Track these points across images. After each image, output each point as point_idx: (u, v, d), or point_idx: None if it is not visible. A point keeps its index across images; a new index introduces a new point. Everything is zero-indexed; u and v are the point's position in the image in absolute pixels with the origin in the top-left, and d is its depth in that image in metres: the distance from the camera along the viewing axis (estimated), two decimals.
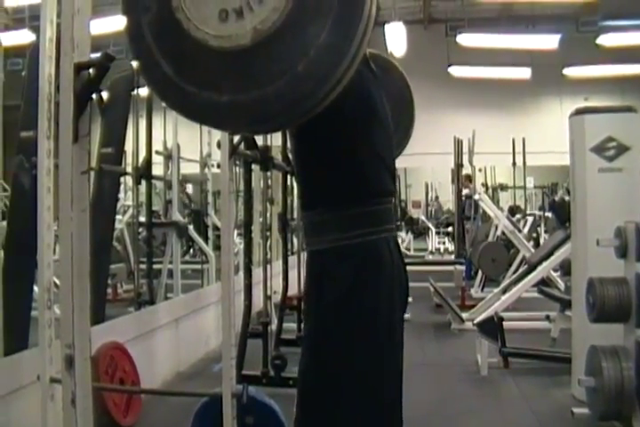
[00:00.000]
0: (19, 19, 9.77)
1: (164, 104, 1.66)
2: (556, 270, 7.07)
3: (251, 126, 1.70)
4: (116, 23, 6.59)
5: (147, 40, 1.58)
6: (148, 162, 5.18)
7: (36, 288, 2.94)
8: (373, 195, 1.92)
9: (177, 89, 1.56)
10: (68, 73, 1.75)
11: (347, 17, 1.45)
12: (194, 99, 1.54)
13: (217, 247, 6.27)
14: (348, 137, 1.87)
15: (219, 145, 3.17)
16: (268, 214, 6.04)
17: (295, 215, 7.11)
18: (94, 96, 1.81)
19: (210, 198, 7.60)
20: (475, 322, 5.24)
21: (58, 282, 1.81)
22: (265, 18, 1.45)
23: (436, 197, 18.25)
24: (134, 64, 4.76)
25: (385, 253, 1.91)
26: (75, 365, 1.62)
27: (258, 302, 4.64)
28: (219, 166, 3.25)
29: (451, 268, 8.88)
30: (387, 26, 9.79)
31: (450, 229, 13.98)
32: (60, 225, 1.69)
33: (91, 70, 1.79)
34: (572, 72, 12.23)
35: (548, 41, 10.80)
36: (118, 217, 8.06)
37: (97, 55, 1.83)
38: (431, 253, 14.21)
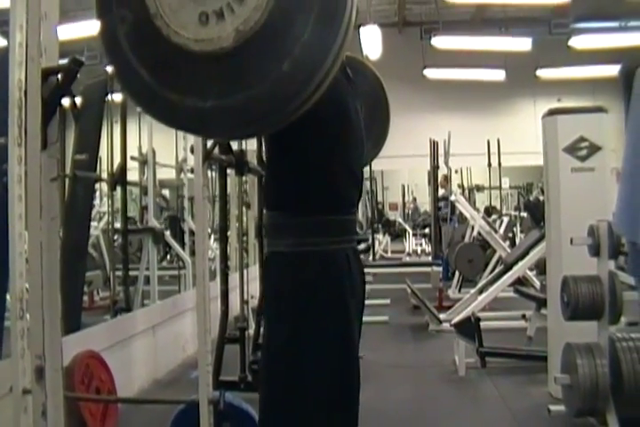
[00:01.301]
0: None
1: (145, 114, 1.63)
2: (531, 270, 7.12)
3: (238, 130, 1.66)
4: (89, 28, 6.54)
5: (124, 50, 1.55)
6: (123, 168, 5.15)
7: (8, 297, 2.91)
8: (337, 205, 1.92)
9: (159, 98, 1.53)
10: (35, 78, 1.74)
11: (329, 13, 1.44)
12: (177, 107, 1.52)
13: (194, 253, 6.25)
14: (320, 143, 1.86)
15: (192, 150, 3.16)
16: (245, 219, 6.03)
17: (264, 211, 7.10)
18: (67, 102, 1.80)
19: (186, 203, 7.57)
20: (452, 323, 5.27)
21: None
22: (247, 18, 1.43)
23: (413, 199, 18.30)
24: (108, 69, 4.76)
25: (343, 264, 1.90)
26: (45, 376, 1.60)
27: (235, 306, 4.63)
28: (193, 171, 3.24)
29: (428, 269, 8.92)
30: (362, 29, 9.81)
31: (427, 230, 14.04)
32: (29, 234, 1.68)
33: (59, 76, 1.78)
34: (545, 74, 12.33)
35: (521, 43, 10.89)
36: (94, 224, 8.01)
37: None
38: (408, 254, 14.26)
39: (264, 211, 2.07)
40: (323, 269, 1.86)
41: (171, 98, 1.51)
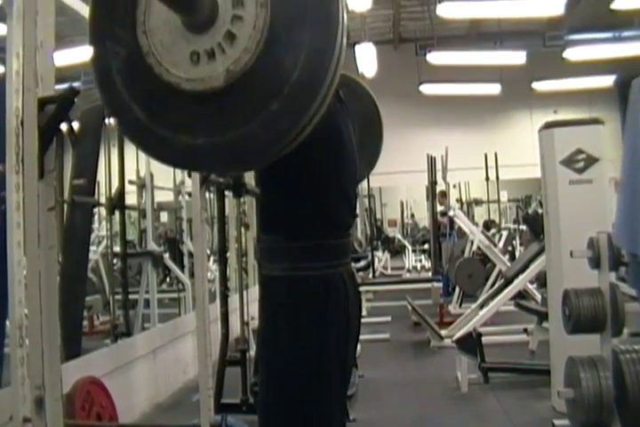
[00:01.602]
0: None
1: (137, 149, 1.63)
2: (532, 283, 7.11)
3: (228, 167, 1.70)
4: (86, 53, 6.57)
5: (117, 85, 1.56)
6: (121, 192, 5.16)
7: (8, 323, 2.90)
8: (332, 229, 1.92)
9: (150, 134, 1.54)
10: (32, 108, 1.75)
11: (318, 53, 1.45)
12: (168, 143, 1.53)
13: (193, 275, 6.25)
14: (313, 170, 1.86)
15: (189, 174, 3.18)
16: (244, 240, 6.02)
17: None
18: (64, 127, 1.80)
19: (185, 226, 7.57)
20: (453, 339, 5.25)
21: None
22: (237, 59, 1.44)
23: (412, 215, 18.29)
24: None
25: (339, 287, 1.90)
26: (45, 406, 1.60)
27: (235, 328, 4.62)
28: (191, 195, 3.25)
29: (428, 285, 8.89)
30: (357, 47, 9.87)
31: (426, 246, 14.01)
32: (27, 263, 1.67)
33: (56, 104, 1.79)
34: (540, 86, 12.38)
35: (515, 57, 10.95)
36: (93, 248, 8.01)
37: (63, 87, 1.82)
38: (408, 271, 14.22)
39: (259, 234, 2.07)
40: (318, 293, 1.85)
41: (162, 134, 1.53)
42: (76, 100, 1.88)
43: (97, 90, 1.61)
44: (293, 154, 1.63)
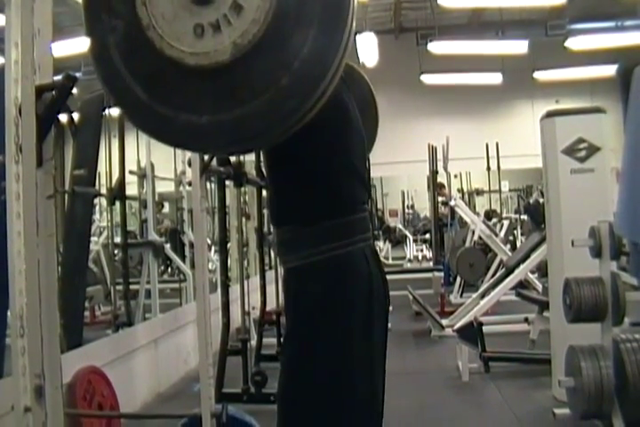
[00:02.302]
0: None
1: (137, 129, 1.58)
2: (533, 272, 7.11)
3: (233, 146, 1.62)
4: (86, 43, 6.53)
5: (115, 62, 1.49)
6: (122, 182, 5.14)
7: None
8: (347, 206, 1.89)
9: (152, 113, 1.48)
10: (30, 96, 1.73)
11: (330, 27, 1.39)
12: (171, 122, 1.46)
13: (194, 265, 6.25)
14: (325, 148, 1.85)
15: (189, 163, 3.17)
16: (245, 230, 6.02)
17: (272, 229, 7.10)
18: (65, 117, 1.79)
19: (186, 216, 7.56)
20: (454, 328, 5.25)
21: None
22: (244, 31, 1.37)
23: (411, 206, 18.27)
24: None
25: (361, 263, 1.87)
26: (45, 395, 1.59)
27: (236, 318, 4.62)
28: (191, 184, 3.24)
29: (429, 275, 8.90)
30: (358, 36, 9.84)
31: (427, 236, 14.01)
32: (26, 252, 1.67)
33: (54, 92, 1.77)
34: (542, 75, 12.34)
35: (517, 46, 10.90)
36: (94, 238, 8.01)
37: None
38: (409, 260, 14.23)
39: (272, 229, 2.03)
40: (342, 275, 1.84)
41: (164, 113, 1.46)
42: (75, 88, 1.87)
43: (93, 66, 1.54)
44: (303, 135, 1.59)
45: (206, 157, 3.23)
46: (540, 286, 6.80)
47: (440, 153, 9.93)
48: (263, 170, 4.62)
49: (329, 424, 1.84)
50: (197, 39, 1.40)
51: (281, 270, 5.15)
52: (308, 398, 1.86)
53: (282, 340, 2.75)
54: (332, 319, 1.84)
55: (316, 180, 1.86)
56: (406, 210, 18.35)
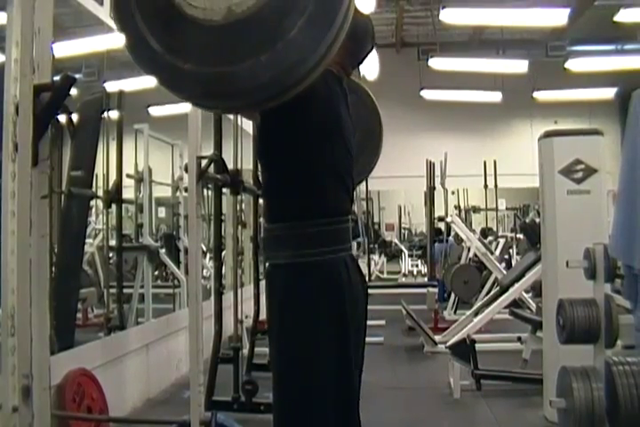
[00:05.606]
0: None
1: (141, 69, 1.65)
2: (527, 292, 7.09)
3: (202, 99, 1.72)
4: (87, 44, 6.54)
5: None
6: (119, 185, 5.13)
7: None
8: (330, 213, 1.95)
9: (146, 45, 1.56)
10: (27, 95, 1.73)
11: (318, 22, 1.46)
12: (158, 59, 1.55)
13: (188, 271, 6.23)
14: (311, 149, 1.90)
15: (186, 169, 3.16)
16: (241, 238, 6.01)
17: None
18: (63, 118, 1.79)
19: (182, 222, 7.55)
20: (447, 345, 5.23)
21: None
22: (242, 0, 1.46)
23: (403, 227, 18.30)
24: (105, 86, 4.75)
25: (342, 272, 1.94)
26: (32, 395, 1.57)
27: (229, 326, 4.60)
28: (187, 190, 3.24)
29: (423, 290, 8.87)
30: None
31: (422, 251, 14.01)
32: (19, 251, 1.65)
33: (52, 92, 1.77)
34: (541, 96, 12.38)
35: (517, 65, 10.93)
36: (89, 241, 7.98)
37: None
38: (404, 275, 14.22)
39: (263, 225, 2.10)
40: (322, 280, 1.90)
41: (155, 48, 1.56)
42: (74, 90, 1.86)
43: None
44: (293, 139, 1.64)
45: (203, 164, 3.23)
46: (533, 306, 6.78)
47: (438, 169, 9.93)
48: (260, 175, 4.63)
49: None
50: None
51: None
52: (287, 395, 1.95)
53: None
54: (313, 322, 1.90)
55: (302, 185, 1.93)
56: (403, 224, 18.36)
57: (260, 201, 4.95)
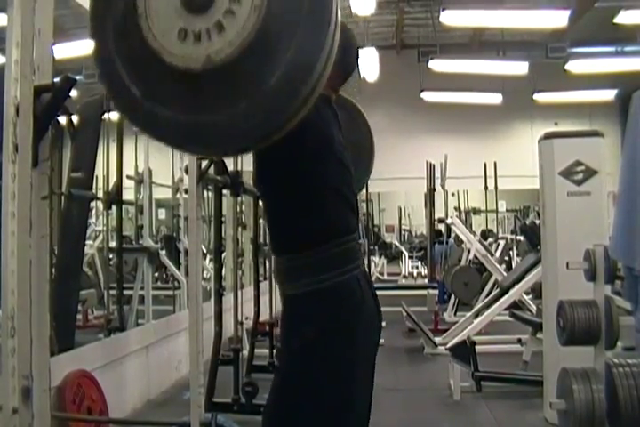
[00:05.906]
0: None
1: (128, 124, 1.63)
2: (527, 293, 7.09)
3: (183, 147, 1.72)
4: (88, 46, 6.51)
5: (107, 31, 1.58)
6: (119, 187, 5.13)
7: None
8: (339, 235, 1.93)
9: (126, 91, 1.55)
10: (28, 96, 1.73)
11: (301, 66, 1.45)
12: (138, 106, 1.54)
13: (188, 273, 6.23)
14: (308, 175, 1.89)
15: (186, 170, 3.17)
16: (241, 239, 6.01)
17: (267, 239, 7.09)
18: (64, 120, 1.79)
19: (182, 223, 7.55)
20: (447, 346, 5.23)
21: None
22: (219, 49, 1.45)
23: (408, 230, 18.29)
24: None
25: (356, 290, 1.93)
26: (32, 396, 1.57)
27: (229, 328, 4.60)
28: (187, 192, 3.24)
29: (424, 292, 8.88)
30: (359, 51, 9.85)
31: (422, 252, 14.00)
32: (18, 252, 1.65)
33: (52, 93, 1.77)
34: (542, 97, 12.37)
35: (518, 67, 10.93)
36: (89, 242, 7.98)
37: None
38: (404, 277, 14.21)
39: (274, 257, 2.10)
40: (337, 302, 1.90)
41: (134, 93, 1.54)
42: (75, 91, 1.87)
43: (90, 35, 1.62)
44: (288, 167, 1.69)
45: (203, 165, 3.23)
46: (534, 308, 6.78)
47: (438, 171, 9.93)
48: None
49: None
50: (179, 42, 1.48)
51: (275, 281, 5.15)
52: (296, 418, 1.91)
53: (277, 360, 2.76)
54: (329, 347, 1.88)
55: (305, 207, 1.91)
56: (403, 226, 18.36)
57: (261, 203, 4.97)
